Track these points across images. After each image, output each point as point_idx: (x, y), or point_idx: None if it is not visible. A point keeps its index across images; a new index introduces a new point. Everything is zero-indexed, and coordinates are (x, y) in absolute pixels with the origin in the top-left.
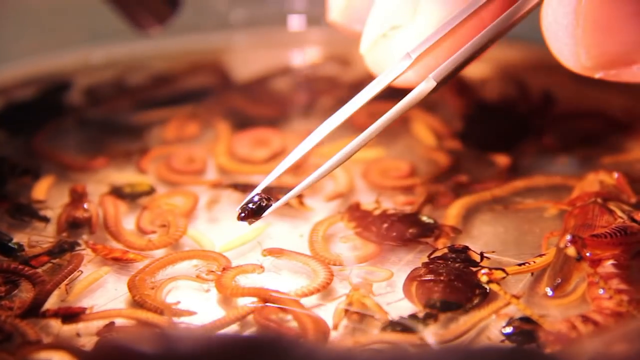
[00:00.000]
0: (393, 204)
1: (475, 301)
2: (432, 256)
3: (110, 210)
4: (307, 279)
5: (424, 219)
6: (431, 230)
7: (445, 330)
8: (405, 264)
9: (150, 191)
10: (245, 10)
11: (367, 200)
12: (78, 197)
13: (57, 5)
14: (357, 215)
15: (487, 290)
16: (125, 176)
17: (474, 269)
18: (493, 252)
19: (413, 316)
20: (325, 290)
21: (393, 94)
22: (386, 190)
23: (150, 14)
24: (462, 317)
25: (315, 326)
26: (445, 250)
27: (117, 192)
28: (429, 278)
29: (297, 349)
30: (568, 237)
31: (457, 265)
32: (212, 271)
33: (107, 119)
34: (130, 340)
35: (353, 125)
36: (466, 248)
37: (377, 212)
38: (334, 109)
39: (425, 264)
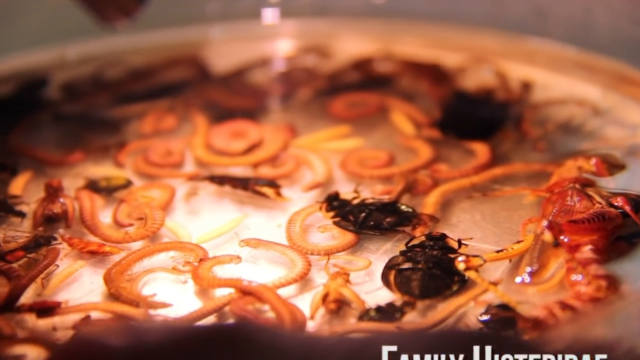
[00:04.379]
0: (371, 193)
1: (454, 288)
2: (409, 244)
3: (87, 204)
4: (284, 269)
5: (403, 207)
6: (409, 219)
7: (423, 318)
8: (383, 252)
9: (127, 185)
10: (221, 4)
11: (345, 189)
12: (54, 192)
13: (33, 2)
14: (336, 204)
15: (466, 278)
16: (103, 170)
17: (452, 256)
18: (471, 239)
19: (391, 305)
20: (302, 280)
21: (371, 84)
22: (364, 180)
23: (117, 7)
24: (440, 305)
25: (292, 316)
26: (423, 238)
27: (93, 186)
28: (407, 266)
29: (261, 335)
30: (545, 223)
31: (435, 252)
32: (189, 262)
33: (84, 114)
34: (102, 334)
35: (331, 116)
36: (444, 235)
37: (355, 202)
38: (312, 100)
39: (403, 253)
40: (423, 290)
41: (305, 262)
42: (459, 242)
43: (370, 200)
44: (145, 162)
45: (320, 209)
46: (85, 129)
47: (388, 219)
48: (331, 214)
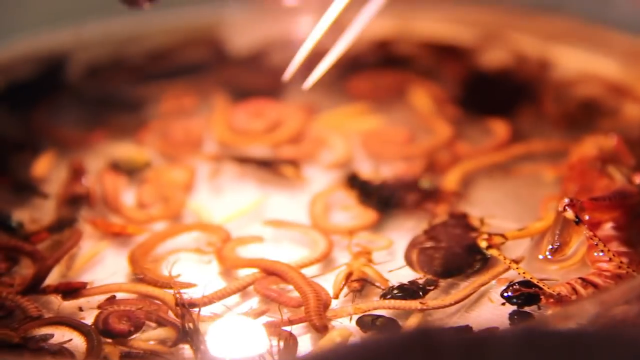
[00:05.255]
0: (393, 171)
1: (476, 267)
2: (432, 223)
3: (109, 185)
4: (307, 248)
5: (425, 185)
6: (432, 197)
7: (446, 295)
8: (405, 231)
9: (147, 166)
10: None
11: (366, 168)
12: (76, 173)
13: None
14: (357, 184)
15: (488, 256)
16: (124, 150)
17: (474, 235)
18: (493, 217)
19: (413, 282)
20: (325, 259)
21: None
22: (385, 159)
23: None
24: (462, 283)
25: (316, 295)
26: (445, 217)
27: (115, 167)
28: (430, 245)
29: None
30: (566, 200)
31: (457, 231)
32: (212, 243)
33: (104, 94)
34: None
35: (351, 95)
36: (465, 214)
37: (377, 181)
38: (332, 79)
39: (425, 231)
40: (446, 268)
41: (328, 241)
42: (481, 220)
43: (392, 179)
44: (166, 142)
45: (342, 188)
46: (105, 108)
47: (411, 197)
48: (353, 193)
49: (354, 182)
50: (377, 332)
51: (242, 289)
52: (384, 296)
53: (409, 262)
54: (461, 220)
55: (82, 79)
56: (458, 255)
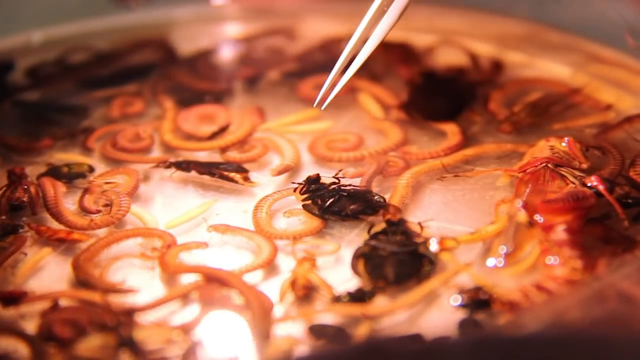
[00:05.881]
0: (342, 176)
1: (426, 270)
2: (371, 231)
3: (50, 191)
4: (251, 254)
5: (375, 197)
6: (374, 209)
7: (394, 301)
8: (351, 238)
9: (89, 171)
10: None
11: (313, 173)
12: (17, 179)
13: None
14: (313, 188)
15: (437, 260)
16: (70, 156)
17: (418, 240)
18: (431, 219)
19: (359, 289)
20: (269, 265)
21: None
22: (334, 164)
23: None
24: (411, 289)
25: (260, 302)
26: (383, 225)
27: (55, 173)
28: (375, 254)
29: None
30: (518, 203)
31: (398, 238)
32: (156, 249)
33: (51, 99)
34: None
35: (300, 98)
36: (402, 220)
37: (332, 186)
38: (280, 82)
39: (367, 241)
40: (395, 275)
41: (272, 247)
42: (420, 225)
43: (347, 186)
44: (113, 147)
45: (296, 190)
46: (52, 114)
47: (352, 206)
48: (304, 196)
49: (311, 186)
50: (324, 341)
51: (183, 295)
52: (329, 303)
53: (356, 271)
54: (400, 227)
55: (28, 84)
56: (405, 261)
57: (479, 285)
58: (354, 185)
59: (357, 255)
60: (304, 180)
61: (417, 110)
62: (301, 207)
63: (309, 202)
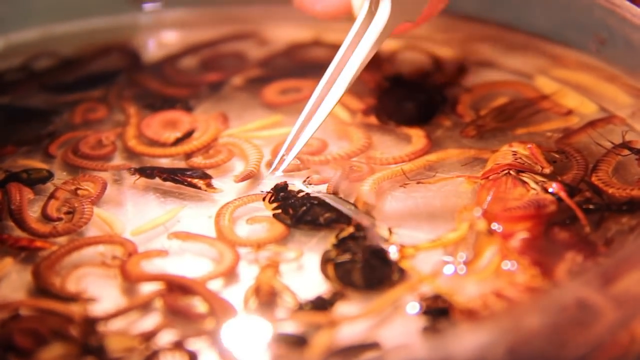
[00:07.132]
0: (307, 182)
1: (395, 277)
2: (339, 236)
3: (16, 197)
4: (212, 261)
5: (346, 206)
6: (347, 218)
7: (357, 309)
8: (315, 243)
9: (48, 177)
10: None
11: (278, 180)
12: None
13: None
14: (282, 196)
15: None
16: (31, 162)
17: (386, 246)
18: (400, 226)
19: (321, 296)
20: (232, 272)
21: (304, 70)
22: (299, 169)
23: None
24: (375, 296)
25: (223, 309)
26: (352, 229)
27: (14, 179)
28: (345, 259)
29: None
30: (478, 211)
31: (367, 243)
32: (117, 257)
33: (14, 105)
34: None
35: (264, 103)
36: (372, 225)
37: (300, 194)
38: (244, 88)
39: (336, 245)
40: (365, 281)
41: (234, 254)
42: (390, 230)
43: (315, 194)
44: (74, 154)
45: (264, 199)
46: (15, 120)
47: (326, 215)
48: (274, 205)
49: (280, 194)
50: (285, 349)
51: (144, 304)
52: (292, 310)
53: (326, 276)
54: (369, 232)
55: None
56: (375, 267)
57: (438, 293)
58: (322, 193)
59: (326, 260)
60: (272, 189)
61: (388, 114)
62: (263, 214)
63: (279, 211)
